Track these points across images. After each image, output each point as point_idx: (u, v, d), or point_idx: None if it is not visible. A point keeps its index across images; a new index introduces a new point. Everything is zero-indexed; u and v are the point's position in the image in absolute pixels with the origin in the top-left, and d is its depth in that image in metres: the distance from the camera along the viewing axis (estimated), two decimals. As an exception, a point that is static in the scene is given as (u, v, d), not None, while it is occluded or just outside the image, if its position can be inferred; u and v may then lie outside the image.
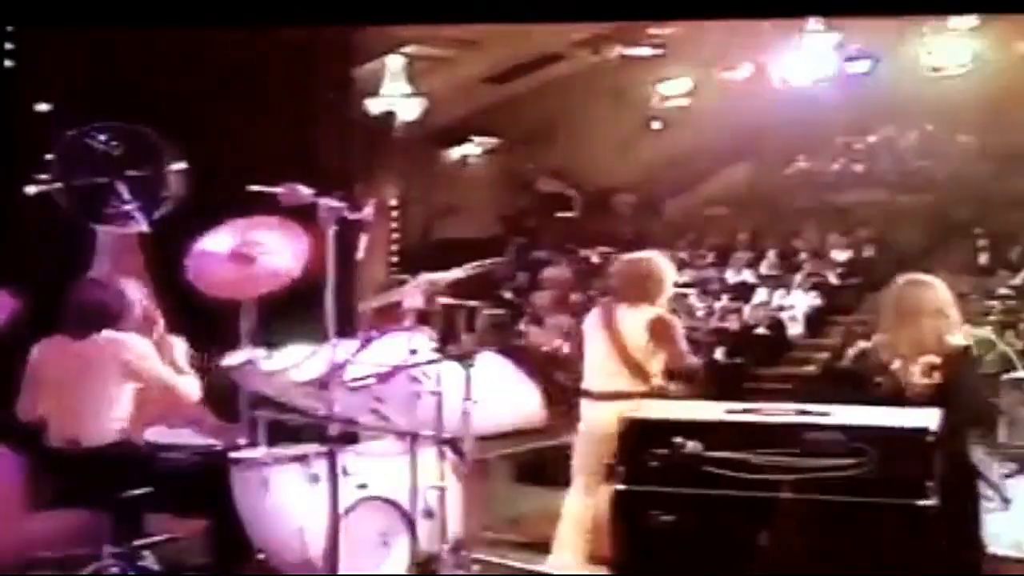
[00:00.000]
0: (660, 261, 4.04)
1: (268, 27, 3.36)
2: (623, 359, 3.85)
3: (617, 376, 3.86)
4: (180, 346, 3.61)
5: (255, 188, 3.15)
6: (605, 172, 13.43)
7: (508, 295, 12.47)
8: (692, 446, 2.87)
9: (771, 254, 12.12)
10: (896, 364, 3.35)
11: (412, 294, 3.59)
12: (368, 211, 3.26)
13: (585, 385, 3.96)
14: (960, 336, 3.38)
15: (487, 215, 13.07)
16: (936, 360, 3.28)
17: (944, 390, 3.25)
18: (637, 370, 3.86)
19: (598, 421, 3.79)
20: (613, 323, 3.91)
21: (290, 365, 3.51)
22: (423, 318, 3.63)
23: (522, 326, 4.93)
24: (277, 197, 3.14)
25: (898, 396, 3.28)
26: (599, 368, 3.91)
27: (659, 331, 3.88)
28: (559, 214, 14.10)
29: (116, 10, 3.06)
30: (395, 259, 6.16)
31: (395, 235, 6.23)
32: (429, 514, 3.35)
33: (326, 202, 3.08)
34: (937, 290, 3.48)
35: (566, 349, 4.32)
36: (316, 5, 3.14)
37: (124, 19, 3.07)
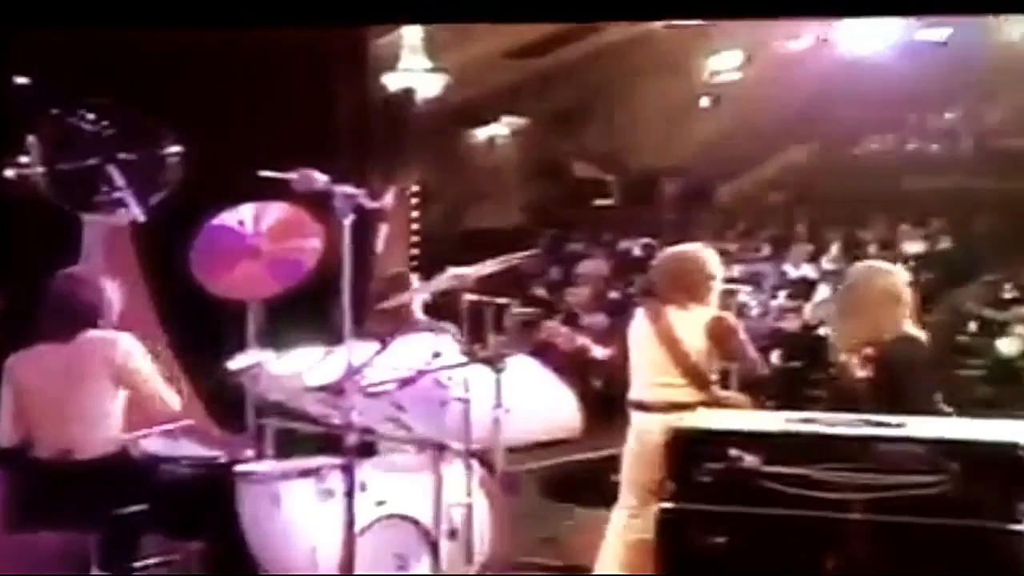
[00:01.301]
0: (708, 254, 4.04)
1: (267, 28, 3.42)
2: (680, 366, 3.84)
3: (672, 385, 3.85)
4: (164, 352, 3.67)
5: (264, 174, 3.17)
6: (647, 155, 13.40)
7: (540, 292, 12.52)
8: (749, 460, 2.86)
9: (834, 246, 12.00)
10: (842, 358, 3.39)
11: (441, 290, 3.60)
12: (388, 199, 3.29)
13: (634, 395, 3.96)
14: (907, 324, 3.40)
15: (516, 203, 13.11)
16: (871, 351, 3.30)
17: (878, 384, 3.26)
18: (695, 378, 3.85)
19: (648, 434, 3.78)
20: (664, 325, 3.90)
21: (302, 369, 3.55)
22: (448, 317, 3.65)
23: (552, 324, 4.92)
24: (288, 184, 3.16)
25: (842, 393, 3.30)
26: (650, 376, 3.91)
27: (720, 334, 3.86)
28: (596, 202, 14.10)
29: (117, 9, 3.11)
30: (415, 252, 6.17)
31: (415, 226, 6.25)
32: (454, 534, 3.37)
33: (342, 189, 3.10)
34: (893, 277, 3.54)
35: (602, 352, 4.32)
36: (316, 5, 3.18)
37: (124, 18, 3.12)
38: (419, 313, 4.12)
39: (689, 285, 3.93)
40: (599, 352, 4.28)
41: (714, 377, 3.93)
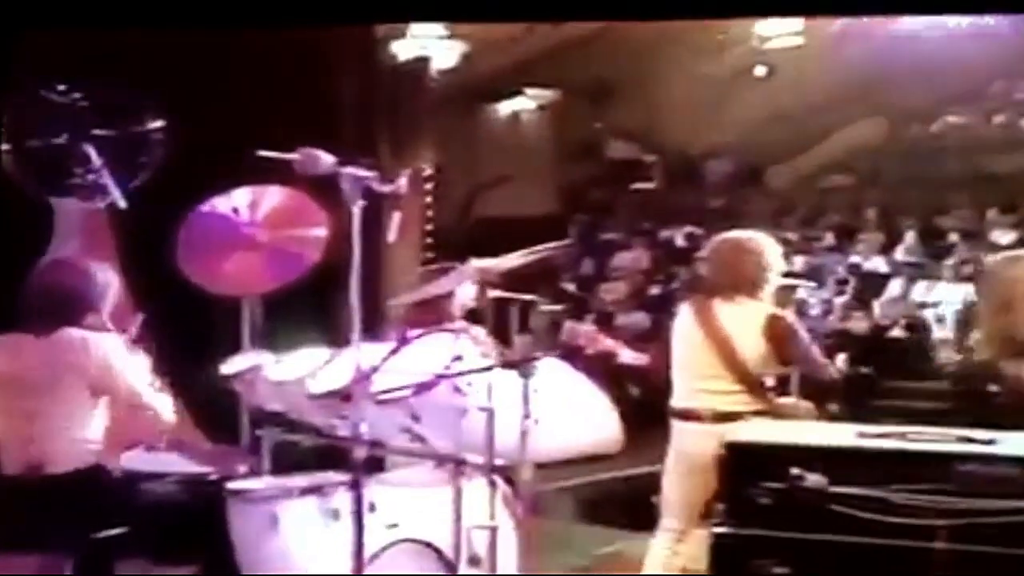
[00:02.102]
0: (765, 242, 4.02)
1: (265, 30, 3.47)
2: (732, 370, 3.83)
3: (723, 392, 3.84)
4: (142, 359, 3.68)
5: (261, 154, 3.19)
6: (692, 132, 13.36)
7: (571, 287, 12.53)
8: (814, 480, 2.85)
9: (910, 235, 11.90)
10: (1008, 365, 3.35)
11: (461, 285, 3.61)
12: (402, 182, 3.29)
13: (678, 403, 3.96)
14: None
15: (544, 187, 13.11)
16: None
17: None
18: (750, 384, 3.84)
19: (695, 447, 3.79)
20: (714, 324, 3.90)
21: (304, 373, 3.55)
22: (469, 315, 3.65)
23: (571, 325, 4.89)
24: (290, 165, 3.17)
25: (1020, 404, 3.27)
26: (697, 382, 3.91)
27: (779, 334, 3.86)
28: (634, 185, 14.09)
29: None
30: (430, 241, 6.20)
31: (431, 212, 6.27)
32: (475, 560, 3.38)
33: (351, 171, 3.11)
34: None
35: (631, 356, 4.33)
36: (315, 5, 3.21)
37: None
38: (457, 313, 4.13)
39: (743, 278, 3.92)
40: (627, 356, 4.27)
41: (770, 383, 3.92)
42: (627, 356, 4.29)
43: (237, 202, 3.89)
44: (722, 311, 3.93)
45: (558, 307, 10.43)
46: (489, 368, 3.33)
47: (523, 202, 12.29)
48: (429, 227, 6.50)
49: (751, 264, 3.95)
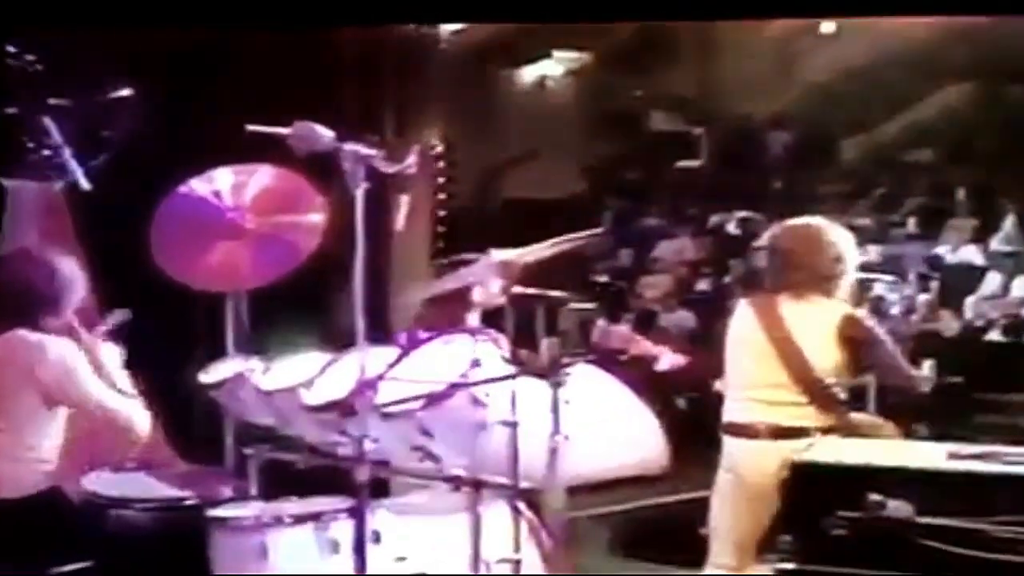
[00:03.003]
0: (836, 231, 4.03)
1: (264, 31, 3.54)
2: (798, 379, 3.85)
3: (787, 404, 3.86)
4: (114, 356, 3.73)
5: (249, 128, 3.23)
6: (747, 99, 13.36)
7: (605, 282, 12.54)
8: (896, 507, 2.86)
9: (1008, 221, 11.83)
10: None
11: (480, 280, 3.64)
12: (410, 161, 3.32)
13: (731, 416, 3.98)
14: None
15: (574, 166, 13.13)
16: None
17: None
18: (819, 395, 3.85)
19: (753, 469, 3.81)
20: (777, 325, 3.91)
21: (298, 382, 3.60)
22: (489, 315, 3.68)
23: (602, 324, 4.90)
24: (282, 141, 3.21)
25: None
26: (756, 392, 3.92)
27: (855, 337, 3.87)
28: (679, 163, 14.09)
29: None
30: (443, 229, 6.23)
31: (444, 195, 6.29)
32: (497, 600, 3.42)
33: (352, 148, 3.14)
34: None
35: (670, 360, 4.34)
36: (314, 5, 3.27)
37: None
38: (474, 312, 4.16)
39: (812, 272, 3.93)
40: (667, 360, 4.28)
41: (843, 395, 3.93)
42: (669, 361, 4.29)
43: (220, 184, 3.94)
44: (787, 310, 3.94)
45: (591, 305, 10.47)
46: (512, 376, 3.35)
47: (550, 183, 12.31)
48: (442, 213, 6.51)
49: (821, 256, 3.95)
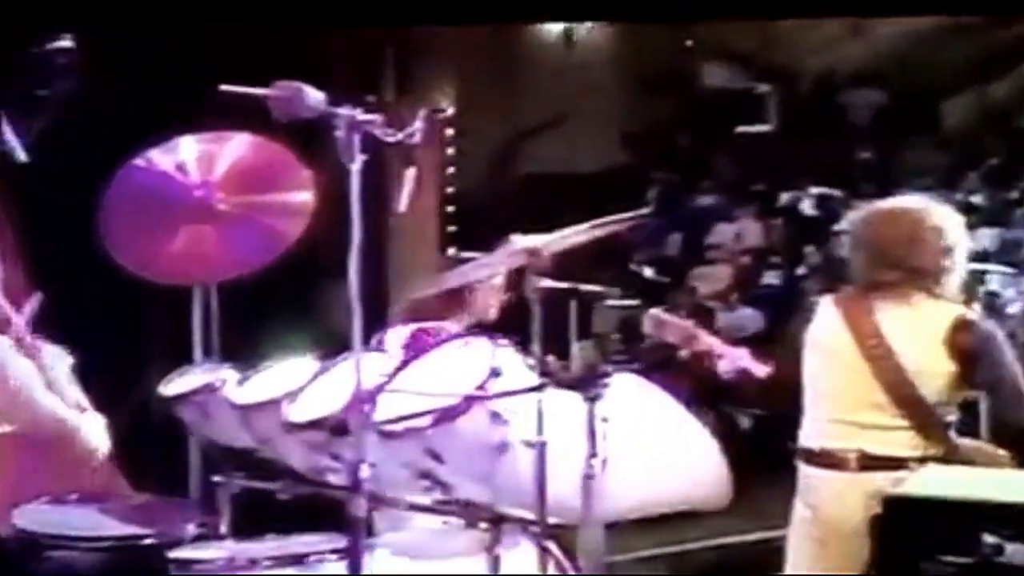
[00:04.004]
0: (941, 212, 4.03)
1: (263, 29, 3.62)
2: (896, 397, 3.86)
3: (879, 428, 3.87)
4: (63, 362, 3.79)
5: (222, 88, 3.28)
6: (826, 50, 13.33)
7: (649, 273, 12.54)
8: (1015, 552, 2.88)
9: None
10: None
11: (499, 271, 3.68)
12: (416, 128, 3.37)
13: (810, 440, 3.99)
14: None
15: (611, 133, 13.13)
16: None
17: None
18: (921, 416, 3.85)
19: (836, 504, 3.83)
20: (869, 329, 3.91)
21: (280, 395, 3.65)
22: (511, 314, 3.72)
23: (655, 313, 4.86)
24: (262, 105, 3.25)
25: None
26: (841, 411, 3.92)
27: (969, 346, 3.85)
28: (740, 129, 14.08)
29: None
30: (454, 210, 6.28)
31: (454, 169, 6.33)
32: (521, 658, 3.46)
33: (346, 113, 3.19)
34: None
35: (759, 371, 4.33)
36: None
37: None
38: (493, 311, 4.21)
39: (913, 266, 3.91)
40: (737, 361, 4.28)
41: (950, 417, 3.94)
42: (740, 363, 4.26)
43: (184, 155, 4.00)
44: (883, 313, 3.92)
45: (632, 302, 10.48)
46: (539, 388, 3.38)
47: (582, 155, 12.33)
48: (452, 190, 6.57)
49: (926, 247, 3.91)
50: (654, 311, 4.48)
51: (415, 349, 3.63)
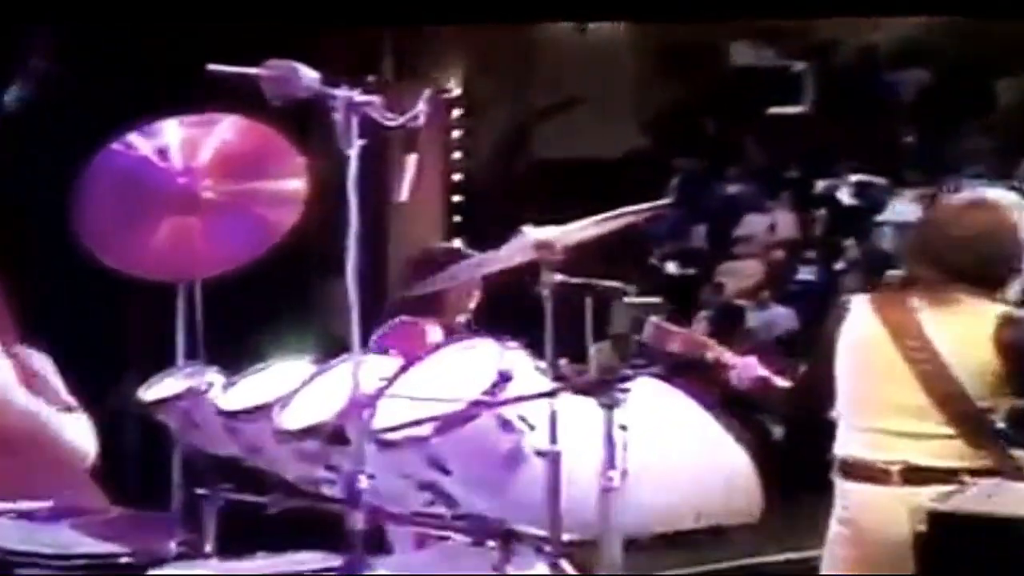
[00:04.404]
0: (1013, 205, 4.04)
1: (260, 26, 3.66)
2: (942, 403, 3.86)
3: (924, 437, 3.87)
4: (44, 364, 3.84)
5: (209, 68, 3.30)
6: (868, 23, 13.27)
7: (672, 268, 12.50)
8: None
9: None
10: None
11: (509, 266, 3.69)
12: (419, 110, 3.38)
13: (846, 450, 3.99)
14: None
15: (629, 116, 13.11)
16: None
17: None
18: (969, 426, 3.85)
19: (878, 520, 3.83)
20: (913, 331, 3.93)
21: (271, 400, 3.68)
22: (521, 312, 3.73)
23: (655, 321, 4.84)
24: (254, 84, 3.26)
25: None
26: (880, 419, 3.94)
27: (1020, 345, 3.87)
28: (773, 110, 14.05)
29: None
30: (460, 199, 6.30)
31: (460, 155, 6.34)
32: None
33: (343, 94, 3.21)
34: None
35: (776, 379, 4.34)
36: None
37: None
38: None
39: (976, 264, 3.91)
40: (748, 372, 4.29)
41: (1001, 424, 3.91)
42: (748, 372, 4.27)
43: (167, 139, 4.00)
44: (925, 312, 3.94)
45: (654, 299, 10.45)
46: (552, 393, 3.41)
47: (599, 139, 12.32)
48: (457, 178, 6.58)
49: (989, 241, 3.94)
50: (654, 319, 4.48)
51: (393, 341, 3.65)
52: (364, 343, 3.28)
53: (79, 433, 3.74)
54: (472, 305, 4.68)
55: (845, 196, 13.30)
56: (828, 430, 4.05)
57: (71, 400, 3.82)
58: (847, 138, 13.37)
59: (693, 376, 4.01)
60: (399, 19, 5.35)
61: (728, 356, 4.31)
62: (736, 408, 3.95)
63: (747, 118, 13.84)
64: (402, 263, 4.59)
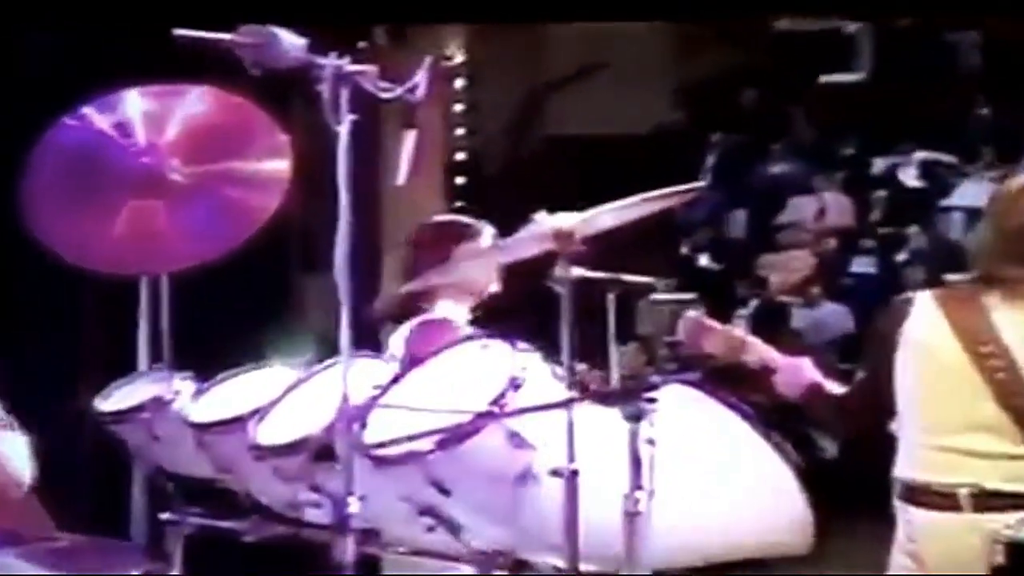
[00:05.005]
0: None
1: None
2: (1018, 417, 3.88)
3: (1001, 457, 3.89)
4: None
5: (178, 33, 3.33)
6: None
7: (706, 260, 12.47)
8: None
9: None
10: None
11: (520, 258, 3.72)
12: (418, 81, 3.42)
13: (908, 471, 4.02)
14: None
15: (657, 85, 13.09)
16: None
17: None
18: None
19: (946, 551, 3.85)
20: (985, 335, 3.96)
21: (246, 411, 3.72)
22: (534, 311, 3.77)
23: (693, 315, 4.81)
24: (227, 52, 3.30)
25: None
26: (948, 435, 3.95)
27: None
28: (824, 78, 14.03)
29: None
30: (463, 181, 6.32)
31: (464, 130, 6.37)
32: None
33: (332, 63, 3.25)
34: None
35: (830, 386, 4.34)
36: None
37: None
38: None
39: None
40: (796, 377, 4.30)
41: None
42: (796, 376, 4.26)
43: (129, 112, 4.04)
44: (999, 312, 3.95)
45: (686, 296, 10.45)
46: (570, 403, 3.44)
47: (622, 112, 12.32)
48: (460, 157, 6.59)
49: None
50: (691, 315, 4.46)
51: (416, 355, 3.68)
52: (356, 345, 3.32)
53: (13, 454, 3.77)
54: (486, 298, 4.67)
55: (908, 177, 13.30)
56: (888, 447, 4.06)
57: (5, 417, 3.84)
58: (910, 110, 13.37)
59: (732, 383, 4.01)
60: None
61: (775, 358, 4.31)
62: (782, 420, 3.95)
63: (794, 87, 13.82)
64: (401, 249, 4.57)
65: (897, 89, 13.70)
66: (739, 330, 4.45)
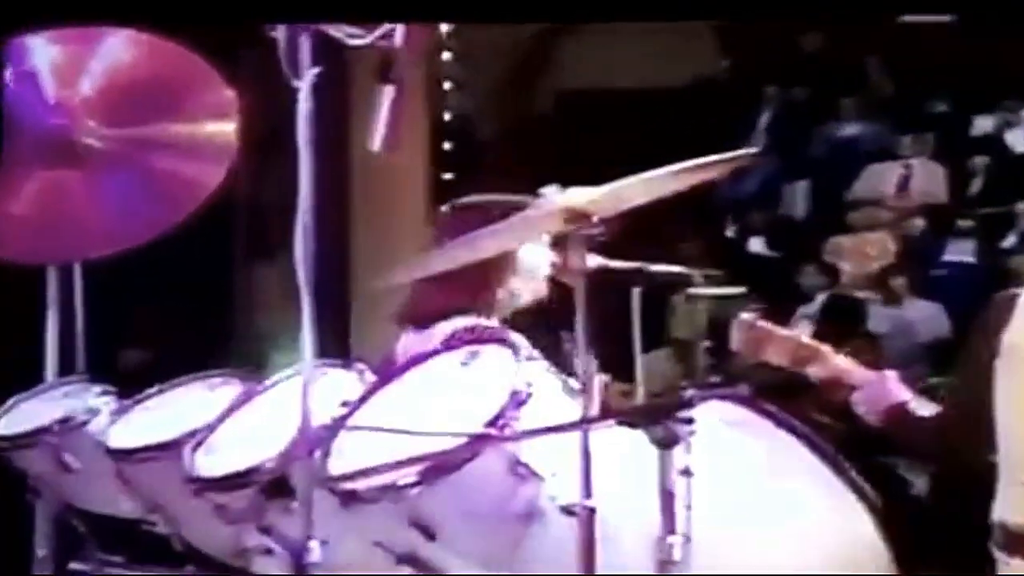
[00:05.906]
0: None
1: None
2: None
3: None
4: None
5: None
6: None
7: (759, 245, 12.46)
8: None
9: None
10: None
11: (525, 243, 3.77)
12: (394, 27, 3.46)
13: (1014, 515, 4.06)
14: None
15: (693, 28, 13.15)
16: None
17: None
18: None
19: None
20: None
21: (179, 434, 3.79)
22: (543, 310, 3.83)
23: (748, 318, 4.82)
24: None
25: None
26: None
27: None
28: (905, 18, 14.12)
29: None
30: (451, 146, 6.39)
31: (450, 85, 6.43)
32: None
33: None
34: None
35: (921, 408, 4.38)
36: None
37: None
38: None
39: None
40: (878, 395, 4.33)
41: None
42: (879, 394, 4.29)
43: (37, 61, 4.09)
44: None
45: (733, 290, 10.51)
46: (585, 423, 3.50)
47: (649, 62, 12.38)
48: (448, 118, 6.63)
49: None
50: (746, 316, 4.45)
51: (395, 363, 3.73)
52: (320, 353, 3.37)
53: None
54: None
55: (1016, 140, 13.31)
56: (989, 483, 4.07)
57: None
58: (1016, 57, 13.43)
59: (792, 400, 4.02)
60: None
61: (852, 371, 4.34)
62: (859, 449, 3.98)
63: (866, 31, 13.88)
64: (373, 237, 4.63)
65: (999, 31, 13.77)
66: (807, 335, 4.43)
